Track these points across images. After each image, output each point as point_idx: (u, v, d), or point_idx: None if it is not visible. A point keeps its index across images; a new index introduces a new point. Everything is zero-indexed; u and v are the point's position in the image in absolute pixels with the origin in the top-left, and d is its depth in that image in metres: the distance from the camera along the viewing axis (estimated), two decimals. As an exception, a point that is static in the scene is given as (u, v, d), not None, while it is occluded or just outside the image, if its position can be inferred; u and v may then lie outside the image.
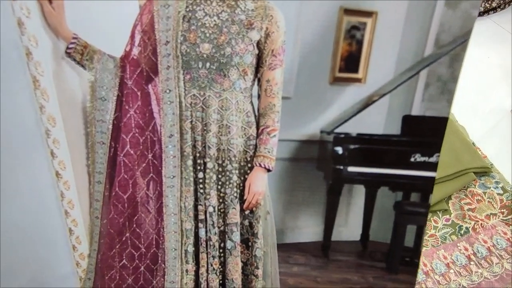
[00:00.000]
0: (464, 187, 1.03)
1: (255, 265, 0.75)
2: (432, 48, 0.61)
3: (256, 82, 0.65)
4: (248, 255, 0.75)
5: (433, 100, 0.64)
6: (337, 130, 0.66)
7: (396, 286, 0.74)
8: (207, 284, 0.76)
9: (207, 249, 0.74)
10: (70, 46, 0.60)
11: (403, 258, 0.73)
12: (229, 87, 0.64)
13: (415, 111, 0.65)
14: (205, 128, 0.66)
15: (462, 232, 0.95)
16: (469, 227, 0.96)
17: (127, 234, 0.75)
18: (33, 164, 0.65)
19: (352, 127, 0.66)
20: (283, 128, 0.64)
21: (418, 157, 0.67)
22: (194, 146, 0.67)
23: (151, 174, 0.69)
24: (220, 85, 0.63)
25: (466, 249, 0.92)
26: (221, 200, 0.71)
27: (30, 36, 0.56)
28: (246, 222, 0.73)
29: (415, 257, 0.73)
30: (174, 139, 0.66)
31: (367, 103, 0.64)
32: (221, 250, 0.74)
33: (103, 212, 0.72)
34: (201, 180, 0.69)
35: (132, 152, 0.67)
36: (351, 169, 0.69)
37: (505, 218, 0.97)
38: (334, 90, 0.65)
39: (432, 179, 0.67)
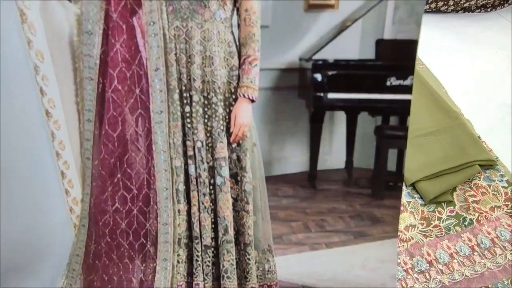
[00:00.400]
0: (469, 179, 1.05)
1: (245, 200, 0.77)
2: (398, -30, 0.66)
3: (235, 12, 0.69)
4: (237, 190, 0.77)
5: (402, 23, 0.68)
6: (315, 57, 0.69)
7: (382, 211, 0.77)
8: (199, 223, 0.78)
9: (197, 187, 0.76)
10: (56, -22, 0.64)
11: (387, 183, 0.76)
12: (210, 18, 0.67)
13: (387, 35, 0.69)
14: (189, 60, 0.69)
15: (466, 223, 0.96)
16: (473, 218, 0.97)
17: (119, 175, 0.77)
18: (22, 102, 0.67)
19: (329, 54, 0.69)
20: (263, 57, 0.68)
21: (393, 81, 0.71)
22: (179, 79, 0.70)
23: (140, 110, 0.72)
24: (201, 16, 0.67)
25: (470, 240, 0.93)
26: (208, 135, 0.73)
27: (17, -32, 0.60)
28: (234, 156, 0.75)
29: (399, 180, 0.76)
30: (160, 73, 0.69)
31: (341, 28, 0.68)
32: (211, 187, 0.76)
33: (94, 152, 0.74)
34: (188, 114, 0.72)
35: (120, 87, 0.70)
36: (331, 95, 0.72)
37: (509, 211, 0.98)
38: (310, 17, 0.68)
39: (408, 101, 0.70)
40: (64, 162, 0.74)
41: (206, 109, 0.72)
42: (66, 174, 0.75)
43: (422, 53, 1.51)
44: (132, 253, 0.81)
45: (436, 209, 0.99)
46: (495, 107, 1.34)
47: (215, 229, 0.78)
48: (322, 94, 0.72)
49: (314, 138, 0.74)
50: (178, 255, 0.79)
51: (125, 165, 0.76)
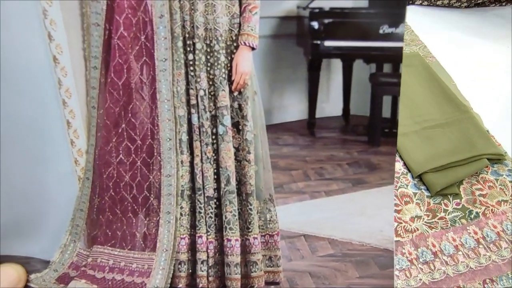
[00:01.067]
0: (476, 173, 1.05)
1: (247, 149, 0.79)
2: None
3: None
4: (239, 139, 0.79)
5: (394, -29, 0.73)
6: (311, 5, 0.73)
7: (379, 158, 0.80)
8: (202, 174, 0.80)
9: (200, 137, 0.78)
10: None
11: (382, 130, 0.79)
12: (212, -35, 0.71)
13: (380, -17, 0.74)
14: (192, 7, 0.72)
15: (472, 216, 0.96)
16: (480, 212, 0.97)
17: (123, 125, 0.79)
18: (29, 47, 0.69)
19: (325, 2, 0.73)
20: (263, 5, 0.71)
21: (386, 29, 0.74)
22: (183, 27, 0.73)
23: (144, 58, 0.74)
24: (204, -38, 0.70)
25: (476, 233, 0.93)
26: (210, 83, 0.76)
27: None
28: (236, 105, 0.78)
29: (393, 127, 0.79)
30: (164, 20, 0.71)
31: (336, -24, 0.72)
32: (213, 137, 0.78)
33: (100, 101, 0.76)
34: (191, 62, 0.74)
35: (125, 34, 0.72)
36: (327, 43, 0.75)
37: None
38: (305, -34, 0.72)
39: (400, 48, 0.74)
40: (70, 111, 0.75)
41: (208, 57, 0.74)
42: (71, 123, 0.76)
43: (432, 46, 1.53)
44: (135, 207, 0.82)
45: (442, 201, 1.00)
46: (505, 101, 1.31)
47: (217, 180, 0.79)
48: (319, 42, 0.75)
49: (312, 86, 0.77)
50: (181, 207, 0.80)
51: (130, 114, 0.77)
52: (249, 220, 0.80)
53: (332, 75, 0.78)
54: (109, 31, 0.72)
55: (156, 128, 0.78)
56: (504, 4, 1.74)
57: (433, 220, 0.96)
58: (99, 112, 0.76)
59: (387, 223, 0.84)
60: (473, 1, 1.70)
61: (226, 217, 0.79)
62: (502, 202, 0.99)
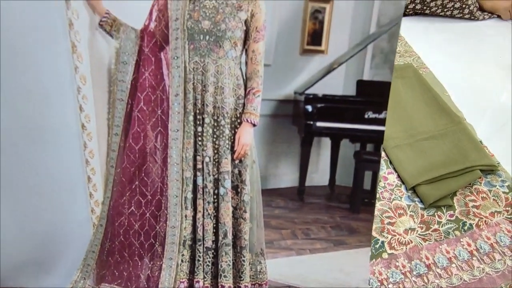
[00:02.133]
0: (470, 184, 1.04)
1: (244, 209, 0.91)
2: (375, 28, 0.83)
3: (244, 52, 0.85)
4: (237, 200, 0.91)
5: (378, 68, 0.85)
6: (307, 92, 0.86)
7: (358, 223, 0.92)
8: (203, 228, 0.92)
9: (203, 196, 0.90)
10: (103, 19, 0.80)
11: (363, 199, 0.91)
12: (223, 56, 0.83)
13: (366, 77, 0.86)
14: (204, 89, 0.85)
15: (465, 228, 0.95)
16: (473, 223, 0.96)
17: (137, 182, 0.91)
18: (62, 115, 0.82)
19: (319, 89, 0.86)
20: (265, 90, 0.84)
21: (370, 114, 0.87)
22: (194, 104, 0.86)
23: (159, 128, 0.87)
24: (216, 54, 0.83)
25: (469, 245, 0.92)
26: (215, 151, 0.88)
27: (73, 11, 0.76)
28: (236, 171, 0.90)
29: (372, 198, 0.91)
30: (179, 98, 0.84)
31: (329, 69, 0.85)
32: (215, 197, 0.90)
33: (118, 161, 0.89)
34: (199, 134, 0.87)
35: (145, 108, 0.85)
36: (319, 124, 0.88)
37: (509, 216, 0.98)
38: (304, 60, 0.85)
39: (382, 132, 0.87)
40: (91, 169, 0.88)
41: (215, 130, 0.87)
42: (92, 179, 0.88)
43: (426, 58, 1.52)
44: (142, 252, 0.94)
45: (436, 213, 0.98)
46: (497, 112, 1.30)
47: (215, 233, 0.89)
48: (311, 122, 0.88)
49: (303, 159, 0.90)
50: (182, 255, 0.90)
51: (143, 174, 0.90)
52: (242, 270, 0.90)
53: (322, 150, 0.91)
54: (131, 105, 0.84)
55: (165, 186, 0.90)
56: (496, 15, 1.75)
57: (427, 232, 0.95)
58: (117, 170, 0.89)
59: (363, 280, 0.94)
60: (465, 12, 1.70)
61: (221, 266, 0.89)
62: (496, 213, 0.97)
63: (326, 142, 0.91)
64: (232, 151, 0.87)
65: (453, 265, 0.89)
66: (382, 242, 0.95)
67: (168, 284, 0.91)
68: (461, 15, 1.72)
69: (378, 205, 1.03)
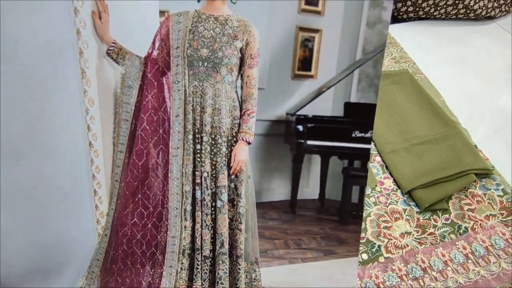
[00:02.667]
0: (465, 188, 1.07)
1: (239, 220, 0.99)
2: (360, 55, 0.93)
3: (239, 77, 0.95)
4: (233, 212, 1.00)
5: (364, 91, 0.95)
6: (298, 113, 0.95)
7: (347, 234, 1.01)
8: (201, 238, 1.00)
9: (201, 208, 0.98)
10: (110, 48, 0.90)
11: (351, 212, 1.00)
12: (220, 80, 0.93)
13: (353, 99, 0.96)
14: (202, 110, 0.94)
15: (461, 231, 0.97)
16: (468, 227, 0.98)
17: (139, 195, 1.00)
18: (72, 134, 0.91)
19: (309, 111, 0.95)
20: (259, 111, 0.93)
21: (357, 133, 0.96)
22: (194, 124, 0.95)
23: (161, 146, 0.96)
24: (214, 78, 0.92)
25: (465, 248, 0.94)
26: (213, 167, 0.97)
27: (84, 41, 0.85)
28: (232, 185, 0.99)
29: (360, 210, 1.00)
30: (179, 118, 0.94)
31: (319, 92, 0.94)
32: (212, 209, 0.98)
33: (122, 176, 0.98)
34: (198, 151, 0.96)
35: (147, 127, 0.94)
36: (309, 142, 0.97)
37: (504, 219, 1.00)
38: (295, 84, 0.95)
39: (368, 149, 0.96)
40: (97, 183, 0.97)
41: (212, 147, 0.96)
42: (98, 192, 0.98)
43: (421, 63, 1.56)
44: (143, 260, 1.02)
45: (431, 217, 1.01)
46: (492, 116, 1.34)
47: (213, 243, 0.97)
48: (302, 141, 0.98)
49: (295, 174, 0.99)
50: (182, 263, 0.97)
51: (145, 188, 0.99)
52: (238, 278, 0.98)
53: (312, 166, 1.00)
54: (135, 125, 0.94)
55: (166, 199, 0.99)
56: (497, 16, 1.79)
57: (423, 236, 0.97)
58: (121, 184, 0.98)
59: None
60: (459, 7, 1.71)
61: (218, 274, 0.97)
62: (491, 217, 1.00)
63: (316, 159, 1.00)
64: (229, 167, 0.95)
65: (448, 268, 0.91)
66: (379, 246, 0.98)
67: None
68: (456, 10, 1.71)
69: (374, 209, 1.07)
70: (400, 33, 1.74)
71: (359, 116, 0.96)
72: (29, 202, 0.94)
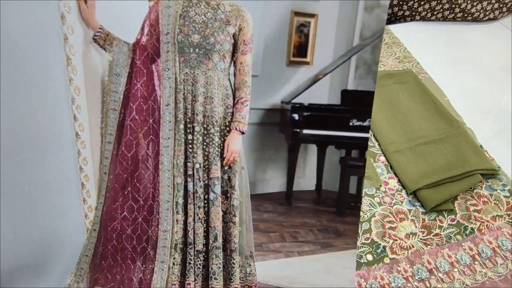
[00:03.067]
0: (471, 188, 1.07)
1: (233, 213, 0.99)
2: (358, 40, 0.92)
3: (232, 64, 0.93)
4: (227, 205, 0.99)
5: (362, 78, 0.94)
6: (293, 101, 0.94)
7: (345, 226, 1.00)
8: (194, 232, 0.99)
9: (194, 201, 0.97)
10: (96, 34, 0.88)
11: (349, 203, 1.00)
12: (212, 67, 0.91)
13: (350, 86, 0.95)
14: (194, 99, 0.93)
15: (467, 232, 0.97)
16: (475, 227, 0.98)
17: (129, 188, 0.99)
18: (57, 124, 0.89)
19: (305, 99, 0.94)
20: (253, 99, 0.92)
21: (355, 122, 0.96)
22: (185, 113, 0.93)
23: (151, 136, 0.94)
24: (206, 65, 0.91)
25: (471, 249, 0.94)
26: (205, 158, 0.96)
27: (69, 26, 0.83)
28: (226, 176, 0.98)
29: (358, 201, 1.00)
30: (170, 107, 0.92)
31: (315, 80, 0.93)
32: (205, 201, 0.97)
33: (111, 168, 0.96)
34: (190, 141, 0.95)
35: (137, 117, 0.93)
36: (305, 131, 0.96)
37: (511, 220, 1.00)
38: (290, 71, 0.94)
39: (366, 138, 0.95)
40: (85, 175, 0.95)
41: (205, 137, 0.95)
42: (85, 185, 0.96)
43: (425, 63, 1.56)
44: (134, 255, 1.01)
45: (437, 218, 1.01)
46: (497, 116, 1.34)
47: (206, 237, 0.96)
48: (298, 130, 0.97)
49: (291, 165, 0.98)
50: (174, 258, 0.96)
51: (135, 180, 0.97)
52: (232, 272, 0.97)
53: (308, 156, 0.99)
54: (124, 115, 0.92)
55: (157, 192, 0.97)
56: (498, 17, 1.78)
57: (428, 236, 0.98)
58: (110, 177, 0.96)
59: (349, 281, 1.00)
60: (456, 11, 1.72)
61: (212, 269, 0.96)
62: (497, 217, 1.00)
63: (313, 148, 0.99)
64: (222, 158, 0.95)
65: (455, 270, 0.92)
66: (384, 247, 0.98)
67: (161, 286, 0.99)
68: (453, 15, 1.74)
69: (379, 209, 1.06)
70: (403, 32, 1.75)
71: (357, 104, 0.95)
72: (16, 197, 0.93)
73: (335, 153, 0.99)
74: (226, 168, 0.96)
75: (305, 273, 0.99)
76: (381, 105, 1.32)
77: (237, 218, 0.97)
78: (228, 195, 0.97)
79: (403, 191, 1.09)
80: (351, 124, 0.96)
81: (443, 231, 1.00)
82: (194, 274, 0.98)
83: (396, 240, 1.00)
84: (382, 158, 1.19)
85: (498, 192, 1.07)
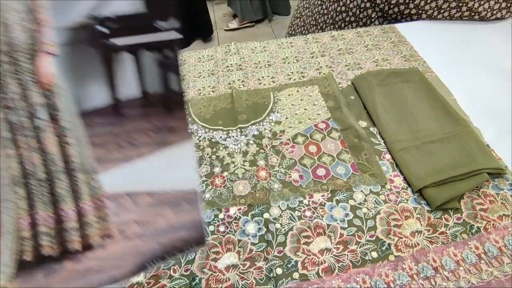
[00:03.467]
0: (477, 187, 1.09)
1: (65, 134, 1.01)
2: None
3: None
4: (57, 128, 0.99)
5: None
6: (98, 15, 0.99)
7: (175, 122, 1.12)
8: (31, 163, 0.99)
9: (22, 132, 0.96)
10: None
11: (174, 100, 1.07)
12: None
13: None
14: None
15: (473, 231, 0.99)
16: (481, 226, 1.00)
17: None
18: None
19: (109, 11, 1.00)
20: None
21: (159, 23, 1.05)
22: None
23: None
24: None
25: (477, 248, 0.96)
26: (20, 86, 0.94)
27: None
28: (48, 101, 0.98)
29: (182, 96, 1.12)
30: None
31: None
32: (34, 130, 0.98)
33: None
34: (-3, 71, 0.93)
35: None
36: (115, 41, 1.04)
37: None
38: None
39: (172, 39, 1.06)
40: None
41: (14, 66, 0.93)
42: None
43: (432, 61, 1.60)
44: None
45: (443, 216, 1.04)
46: (504, 115, 1.35)
47: (45, 164, 1.00)
48: (107, 42, 1.03)
49: (110, 77, 1.05)
50: (17, 193, 0.98)
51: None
52: (79, 191, 1.04)
53: (125, 65, 1.06)
54: None
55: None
56: (506, 17, 1.77)
57: (434, 235, 1.00)
58: None
59: (190, 169, 1.10)
60: (463, 10, 1.71)
61: (58, 192, 1.01)
62: (504, 217, 1.01)
63: (128, 57, 1.07)
64: (37, 83, 0.96)
65: (460, 268, 0.93)
66: (389, 245, 1.01)
67: (9, 224, 0.98)
68: (460, 13, 1.76)
69: (384, 207, 1.11)
70: (410, 31, 1.77)
71: (156, 5, 1.00)
72: None
73: (149, 55, 1.07)
74: (45, 92, 0.98)
75: (149, 173, 1.08)
76: (387, 103, 1.37)
77: (71, 139, 1.02)
78: (56, 118, 1.00)
79: (409, 189, 1.13)
80: (156, 25, 1.00)
81: (449, 229, 1.01)
82: (43, 203, 1.01)
83: (401, 238, 1.02)
84: (388, 156, 1.24)
85: (505, 192, 1.08)
